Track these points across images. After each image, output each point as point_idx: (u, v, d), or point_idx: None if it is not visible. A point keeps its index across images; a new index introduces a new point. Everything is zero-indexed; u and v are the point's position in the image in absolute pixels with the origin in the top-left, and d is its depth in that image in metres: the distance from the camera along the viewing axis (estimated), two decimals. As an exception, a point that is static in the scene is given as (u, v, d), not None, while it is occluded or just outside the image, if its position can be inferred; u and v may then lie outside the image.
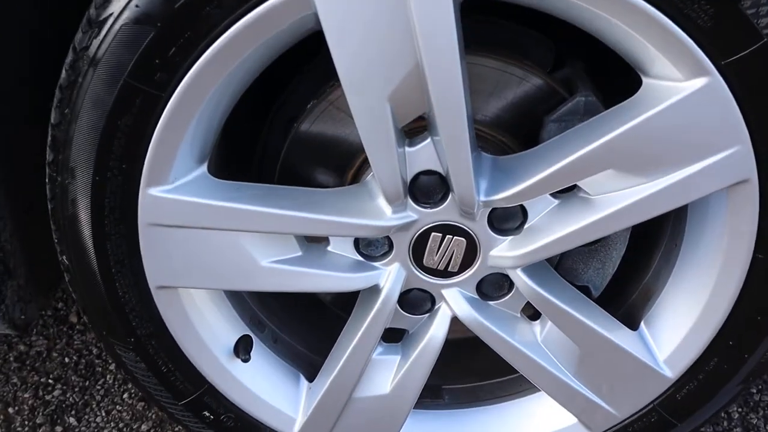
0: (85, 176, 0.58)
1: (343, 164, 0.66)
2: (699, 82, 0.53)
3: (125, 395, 0.94)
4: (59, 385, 0.96)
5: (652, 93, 0.56)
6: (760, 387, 0.94)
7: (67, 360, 0.99)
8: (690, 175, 0.57)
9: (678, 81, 0.54)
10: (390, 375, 0.70)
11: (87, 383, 0.96)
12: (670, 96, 0.54)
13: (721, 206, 0.60)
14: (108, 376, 0.97)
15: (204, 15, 0.52)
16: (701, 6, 0.50)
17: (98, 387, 0.96)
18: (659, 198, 0.58)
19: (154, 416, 0.92)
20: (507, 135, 0.64)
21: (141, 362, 0.67)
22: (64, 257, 0.63)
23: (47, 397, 0.94)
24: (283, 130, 0.67)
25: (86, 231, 0.60)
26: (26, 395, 0.95)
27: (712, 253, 0.63)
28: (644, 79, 0.56)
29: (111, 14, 0.52)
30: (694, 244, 0.64)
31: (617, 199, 0.59)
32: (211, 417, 0.71)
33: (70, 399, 0.94)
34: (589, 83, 0.63)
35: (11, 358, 1.00)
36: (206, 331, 0.68)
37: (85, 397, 0.94)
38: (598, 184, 0.59)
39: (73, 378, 0.97)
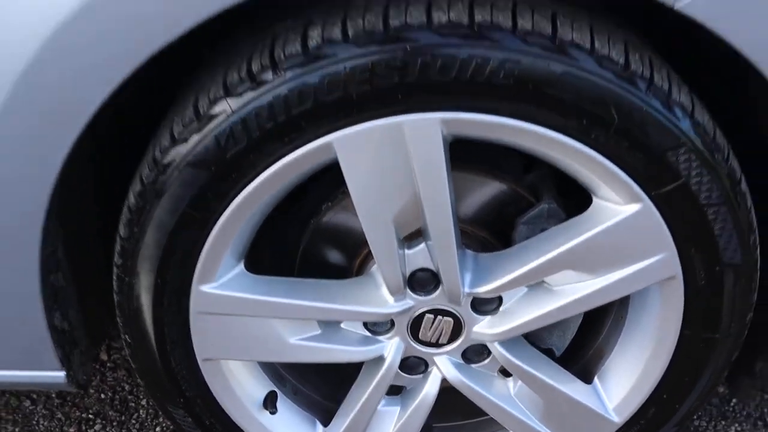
0: (148, 278, 0.72)
1: (352, 254, 0.81)
2: (635, 207, 0.68)
3: (158, 428, 1.09)
4: (99, 420, 1.10)
5: (600, 211, 0.71)
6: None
7: (102, 396, 1.13)
8: (630, 273, 0.73)
9: (619, 204, 0.69)
10: (392, 422, 0.85)
11: (123, 417, 1.10)
12: (614, 216, 0.70)
13: (656, 293, 0.76)
14: (141, 411, 1.11)
15: (247, 160, 0.66)
16: (635, 154, 0.65)
17: (133, 421, 1.10)
18: (608, 290, 0.74)
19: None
20: (486, 231, 0.79)
21: (188, 417, 0.82)
22: (127, 336, 0.77)
23: (89, 431, 1.08)
24: (301, 226, 0.81)
25: (147, 319, 0.75)
26: (71, 430, 1.08)
27: (650, 327, 0.79)
28: (594, 198, 0.71)
29: (174, 160, 0.66)
30: (637, 319, 0.80)
31: (575, 290, 0.75)
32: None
33: (109, 432, 1.09)
34: (553, 190, 0.78)
35: (53, 395, 1.13)
36: (241, 390, 0.83)
37: (123, 431, 1.08)
38: (560, 278, 0.74)
39: (110, 413, 1.10)
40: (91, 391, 1.14)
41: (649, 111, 0.63)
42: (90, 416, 1.10)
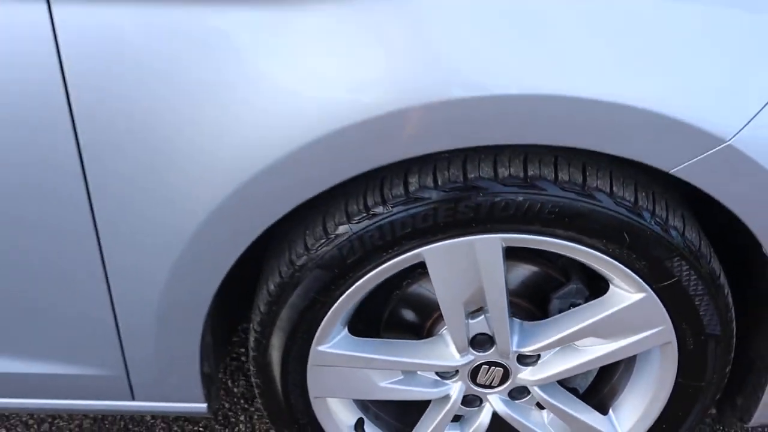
0: (280, 341, 0.97)
1: (424, 318, 1.05)
2: (641, 295, 0.93)
3: (256, 439, 1.35)
4: None
5: (615, 296, 0.95)
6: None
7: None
8: (637, 339, 0.97)
9: (630, 292, 0.94)
10: (453, 443, 1.11)
11: (226, 430, 1.37)
12: (626, 300, 0.94)
13: (657, 352, 1.01)
14: (240, 425, 1.37)
15: (361, 265, 0.90)
16: (641, 261, 0.89)
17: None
18: (621, 351, 0.99)
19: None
20: (529, 303, 1.03)
21: None
22: (258, 381, 1.03)
23: (202, 442, 1.35)
24: (386, 298, 1.05)
25: (276, 369, 1.00)
26: (187, 440, 1.35)
27: (652, 375, 1.04)
28: (611, 286, 0.96)
29: (307, 263, 0.91)
30: (643, 368, 1.05)
31: (595, 350, 1.00)
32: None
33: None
34: (579, 273, 1.02)
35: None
36: (338, 418, 1.09)
37: (229, 442, 1.35)
38: (584, 341, 0.99)
39: (216, 426, 1.37)
40: (198, 406, 1.41)
41: (652, 233, 0.87)
42: (200, 429, 1.37)
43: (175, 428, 1.37)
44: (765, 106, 0.79)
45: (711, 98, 0.80)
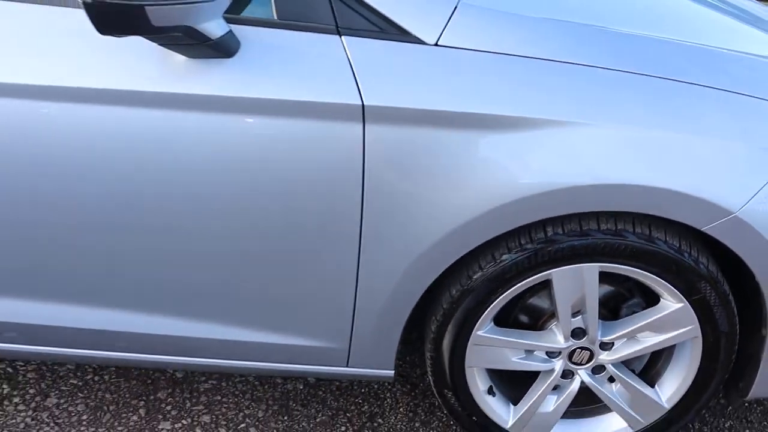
0: (452, 332, 1.54)
1: (538, 318, 1.63)
2: (680, 305, 1.51)
3: (401, 408, 1.91)
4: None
5: (663, 305, 1.53)
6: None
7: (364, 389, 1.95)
8: (676, 334, 1.55)
9: (672, 302, 1.51)
10: (552, 403, 1.67)
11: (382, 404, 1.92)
12: (670, 308, 1.52)
13: (689, 343, 1.58)
14: (388, 399, 1.93)
15: (511, 282, 1.48)
16: (681, 283, 1.47)
17: (389, 406, 1.92)
18: (666, 341, 1.56)
19: None
20: (607, 312, 1.60)
21: (454, 397, 1.64)
22: (432, 354, 1.59)
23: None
24: (515, 304, 1.63)
25: (447, 347, 1.57)
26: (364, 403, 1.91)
27: (686, 359, 1.61)
28: (660, 298, 1.53)
29: (478, 278, 1.49)
30: (679, 354, 1.62)
31: (650, 341, 1.57)
32: (476, 419, 1.67)
33: None
34: (638, 289, 1.59)
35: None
36: (478, 383, 1.65)
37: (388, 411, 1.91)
38: (643, 334, 1.56)
39: (370, 400, 1.92)
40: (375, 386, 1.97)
41: (689, 265, 1.45)
42: (359, 401, 1.93)
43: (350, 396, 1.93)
44: (764, 186, 1.37)
45: (725, 182, 1.38)
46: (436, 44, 1.34)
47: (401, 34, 1.34)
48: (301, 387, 1.97)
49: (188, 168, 1.38)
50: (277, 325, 1.58)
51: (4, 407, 1.84)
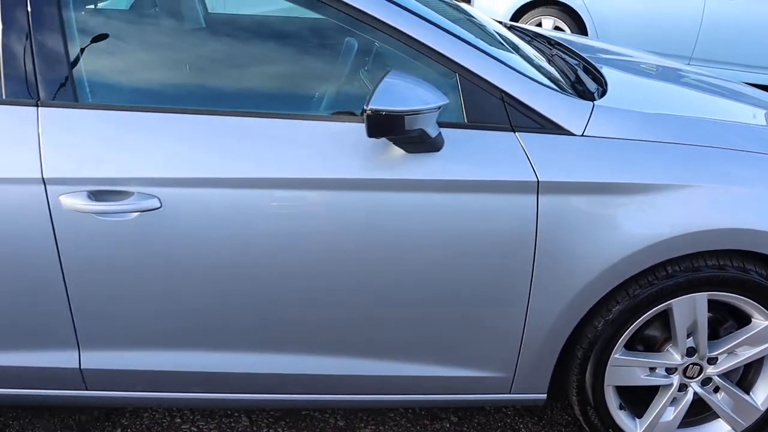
0: (595, 358, 1.95)
1: (655, 343, 2.05)
2: (766, 323, 1.96)
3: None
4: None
5: (755, 324, 1.98)
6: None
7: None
8: (765, 347, 1.99)
9: (762, 321, 1.97)
10: (672, 414, 2.07)
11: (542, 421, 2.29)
12: (760, 325, 1.97)
13: (775, 354, 2.03)
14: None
15: (640, 315, 1.92)
16: (766, 305, 1.93)
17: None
18: (759, 353, 2.00)
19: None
20: (711, 331, 2.04)
21: (594, 412, 2.03)
22: (577, 377, 2.00)
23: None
24: (636, 333, 2.06)
25: (591, 369, 1.97)
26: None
27: (772, 368, 2.05)
28: (752, 318, 1.98)
29: (625, 305, 1.92)
30: (767, 364, 2.05)
31: (745, 354, 2.01)
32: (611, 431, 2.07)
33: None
34: (730, 315, 2.04)
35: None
36: (612, 400, 2.05)
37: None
38: (740, 349, 2.00)
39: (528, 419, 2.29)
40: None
41: (774, 289, 1.92)
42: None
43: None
44: None
45: None
46: (582, 135, 1.84)
47: (557, 129, 1.83)
48: (448, 425, 2.33)
49: (397, 240, 1.81)
50: (458, 362, 1.98)
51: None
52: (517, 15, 6.06)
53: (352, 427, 2.32)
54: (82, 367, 1.93)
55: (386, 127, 1.65)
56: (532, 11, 5.98)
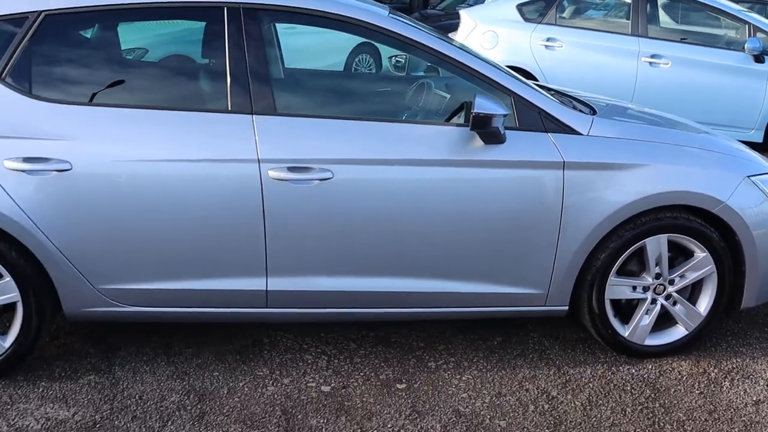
0: (599, 282, 3.03)
1: (635, 270, 3.14)
2: (705, 254, 3.10)
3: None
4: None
5: (697, 256, 3.11)
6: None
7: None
8: (704, 270, 3.14)
9: (701, 254, 3.10)
10: (647, 320, 3.17)
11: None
12: (700, 257, 3.10)
13: (709, 277, 3.15)
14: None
15: (632, 243, 3.01)
16: (703, 243, 3.05)
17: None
18: (700, 275, 3.14)
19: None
20: (670, 263, 3.15)
21: (594, 320, 3.09)
22: (586, 294, 3.05)
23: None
24: (623, 265, 3.14)
25: (596, 287, 3.04)
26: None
27: (709, 286, 3.18)
28: (694, 253, 3.10)
29: (615, 241, 3.01)
30: (705, 284, 3.18)
31: (692, 275, 3.13)
32: (609, 332, 3.12)
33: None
34: (681, 253, 3.16)
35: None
36: (610, 311, 3.12)
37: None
38: (689, 272, 3.12)
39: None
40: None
41: (708, 233, 3.06)
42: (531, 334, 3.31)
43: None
44: (736, 188, 3.02)
45: (721, 188, 3.03)
46: (587, 135, 2.98)
47: (573, 131, 2.98)
48: (495, 343, 3.34)
49: (479, 197, 2.89)
50: (507, 281, 3.03)
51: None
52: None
53: (430, 345, 3.31)
54: (268, 289, 2.88)
55: (481, 123, 2.74)
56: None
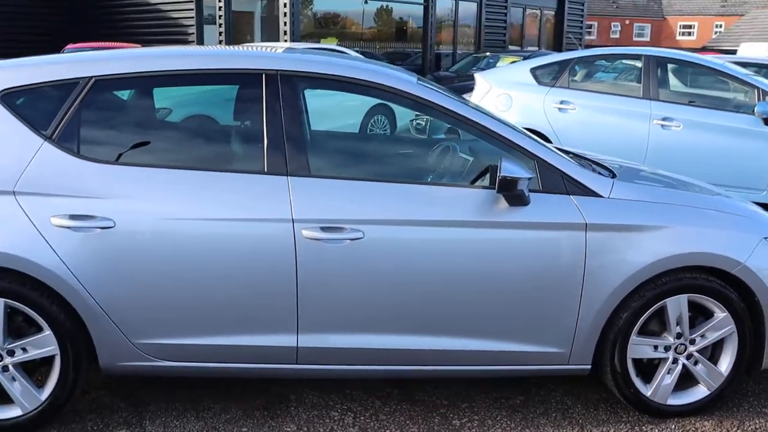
0: (621, 342, 3.08)
1: (656, 330, 3.20)
2: (725, 314, 3.15)
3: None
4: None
5: (717, 316, 3.17)
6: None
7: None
8: (724, 330, 3.18)
9: (721, 314, 3.16)
10: (669, 380, 3.20)
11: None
12: (720, 317, 3.15)
13: (730, 337, 3.20)
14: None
15: (652, 304, 3.08)
16: (723, 303, 3.12)
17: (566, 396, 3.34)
18: (720, 335, 3.19)
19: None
20: (690, 322, 3.21)
21: (615, 381, 3.12)
22: (609, 353, 3.11)
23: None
24: (644, 325, 3.20)
25: (619, 347, 3.09)
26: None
27: (730, 346, 3.22)
28: (714, 313, 3.16)
29: (637, 302, 3.07)
30: (726, 344, 3.23)
31: (712, 335, 3.18)
32: (632, 391, 3.16)
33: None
34: (701, 313, 3.22)
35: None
36: (632, 369, 3.16)
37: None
38: (709, 332, 3.17)
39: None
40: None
41: (727, 293, 3.13)
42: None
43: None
44: (754, 249, 3.11)
45: (738, 249, 3.11)
46: (608, 197, 3.08)
47: (594, 194, 3.08)
48: (518, 402, 3.37)
49: (505, 257, 2.98)
50: (531, 339, 3.10)
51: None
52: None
53: (454, 403, 3.35)
54: (298, 345, 2.95)
55: (507, 186, 2.85)
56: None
